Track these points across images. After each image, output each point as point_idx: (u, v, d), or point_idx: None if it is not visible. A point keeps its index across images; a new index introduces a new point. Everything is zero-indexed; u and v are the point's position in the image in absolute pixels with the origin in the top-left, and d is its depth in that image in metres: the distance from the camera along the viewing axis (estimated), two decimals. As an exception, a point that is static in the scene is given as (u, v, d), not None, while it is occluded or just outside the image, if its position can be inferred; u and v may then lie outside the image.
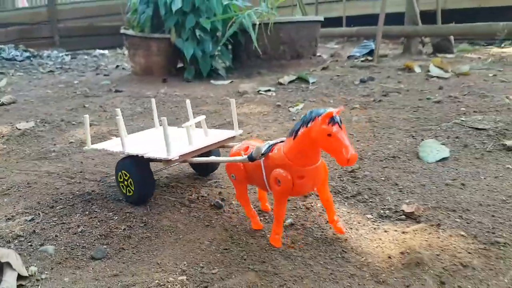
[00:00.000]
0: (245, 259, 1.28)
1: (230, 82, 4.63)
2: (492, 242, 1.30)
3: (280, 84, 4.37)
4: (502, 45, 6.88)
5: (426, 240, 1.33)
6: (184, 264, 1.26)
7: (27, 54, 8.37)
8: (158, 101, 3.71)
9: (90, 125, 2.99)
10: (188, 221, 1.53)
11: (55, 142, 2.61)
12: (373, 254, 1.27)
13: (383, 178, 1.85)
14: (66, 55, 8.70)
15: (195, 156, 1.63)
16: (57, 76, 5.84)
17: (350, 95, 3.72)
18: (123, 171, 1.64)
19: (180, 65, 5.41)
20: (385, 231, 1.40)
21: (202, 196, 1.74)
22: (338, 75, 4.64)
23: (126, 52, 8.94)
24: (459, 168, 1.92)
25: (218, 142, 1.71)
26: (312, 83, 4.32)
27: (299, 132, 1.17)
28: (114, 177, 2.00)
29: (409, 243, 1.31)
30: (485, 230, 1.38)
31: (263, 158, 1.29)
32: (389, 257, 1.25)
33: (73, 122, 3.08)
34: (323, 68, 5.08)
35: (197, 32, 4.74)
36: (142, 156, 1.57)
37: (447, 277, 1.15)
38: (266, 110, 3.30)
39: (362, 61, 5.56)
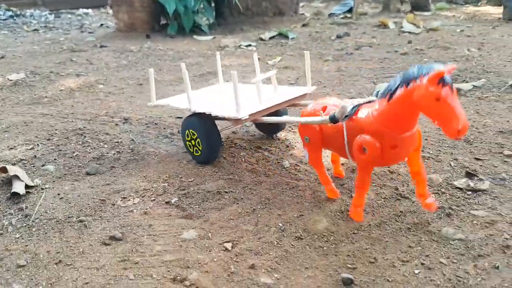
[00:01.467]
0: (216, 172, 1.55)
1: (213, 38, 4.77)
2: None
3: (261, 39, 4.54)
4: (479, 3, 7.06)
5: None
6: (166, 176, 1.53)
7: (10, 13, 8.26)
8: (142, 55, 3.88)
9: (78, 76, 3.17)
10: (170, 148, 1.79)
11: (46, 90, 2.80)
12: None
13: (341, 115, 2.12)
14: (50, 14, 8.61)
15: (265, 115, 1.51)
16: (42, 34, 5.88)
17: (326, 49, 3.93)
18: (190, 130, 1.56)
19: (163, 21, 5.51)
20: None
21: (182, 130, 2.00)
22: (317, 31, 4.82)
23: (110, 11, 8.88)
24: (408, 106, 2.20)
25: (289, 100, 1.57)
26: (292, 38, 4.51)
27: (397, 93, 0.98)
28: (103, 117, 2.22)
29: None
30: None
31: (346, 120, 1.12)
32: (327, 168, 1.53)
33: (62, 74, 3.25)
34: (304, 25, 5.24)
35: (179, -12, 4.83)
36: (209, 114, 1.48)
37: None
38: (245, 62, 3.50)
39: (341, 18, 5.73)
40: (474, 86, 2.40)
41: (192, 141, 1.57)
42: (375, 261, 1.04)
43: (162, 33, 5.18)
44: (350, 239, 1.13)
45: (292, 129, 1.95)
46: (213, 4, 5.52)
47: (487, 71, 2.72)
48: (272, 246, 1.12)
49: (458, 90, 2.34)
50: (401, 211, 1.25)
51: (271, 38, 4.59)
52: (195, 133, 1.54)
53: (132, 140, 1.87)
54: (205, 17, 5.46)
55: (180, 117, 2.19)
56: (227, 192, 1.41)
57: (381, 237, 1.13)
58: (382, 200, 1.31)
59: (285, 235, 1.16)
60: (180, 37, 4.92)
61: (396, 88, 0.99)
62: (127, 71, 3.33)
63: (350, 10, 6.07)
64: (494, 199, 1.29)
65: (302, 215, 1.25)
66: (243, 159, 1.65)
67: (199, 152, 1.57)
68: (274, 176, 1.51)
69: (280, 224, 1.21)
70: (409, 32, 4.36)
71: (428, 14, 5.93)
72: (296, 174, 1.52)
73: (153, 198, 1.38)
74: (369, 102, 1.11)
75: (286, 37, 4.55)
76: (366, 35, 4.43)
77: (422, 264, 1.02)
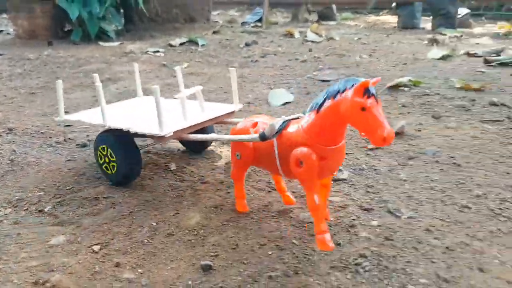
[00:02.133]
0: (98, 179, 1.54)
1: (120, 44, 4.68)
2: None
3: (171, 45, 4.55)
4: (380, 13, 7.73)
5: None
6: (44, 185, 1.50)
7: None
8: (40, 62, 3.70)
9: (-37, 85, 2.93)
10: (52, 157, 1.75)
11: None
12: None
13: (234, 118, 2.22)
14: None
15: (191, 133, 1.44)
16: None
17: (233, 56, 4.06)
18: (104, 147, 1.44)
19: (69, 28, 5.28)
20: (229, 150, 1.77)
21: (70, 139, 1.95)
22: (227, 39, 4.95)
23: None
24: (296, 108, 2.36)
25: (216, 117, 1.52)
26: (202, 45, 4.58)
27: (325, 106, 1.01)
28: (-15, 127, 2.09)
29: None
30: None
31: (276, 136, 1.11)
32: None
33: None
34: (214, 32, 5.35)
35: (83, -7, 4.68)
36: (128, 131, 1.38)
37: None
38: (150, 68, 3.50)
39: (252, 27, 5.94)
40: (356, 88, 2.64)
41: (107, 159, 1.45)
42: (237, 247, 1.13)
43: (66, 39, 4.96)
44: (219, 231, 1.21)
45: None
46: (122, 10, 5.42)
47: (371, 75, 3.02)
48: (142, 245, 1.16)
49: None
50: (269, 202, 1.35)
51: (181, 44, 4.62)
52: (111, 151, 1.43)
53: (14, 151, 1.79)
54: (113, 23, 5.33)
55: (69, 125, 2.13)
56: (105, 197, 1.41)
57: (247, 225, 1.22)
58: (256, 192, 1.41)
59: (157, 233, 1.21)
60: (84, 44, 4.75)
61: (324, 101, 1.01)
62: (20, 80, 3.15)
63: (261, 19, 6.31)
64: (351, 186, 1.45)
65: (178, 213, 1.31)
66: (129, 164, 1.66)
67: (115, 171, 1.45)
68: (158, 179, 1.54)
69: (154, 224, 1.25)
70: (312, 41, 4.66)
71: (333, 24, 6.38)
72: (181, 176, 1.57)
73: (26, 208, 1.35)
74: (297, 118, 1.12)
75: (196, 43, 4.62)
76: (273, 44, 4.65)
77: (277, 246, 1.12)
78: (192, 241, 1.17)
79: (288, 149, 1.08)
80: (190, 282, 1.00)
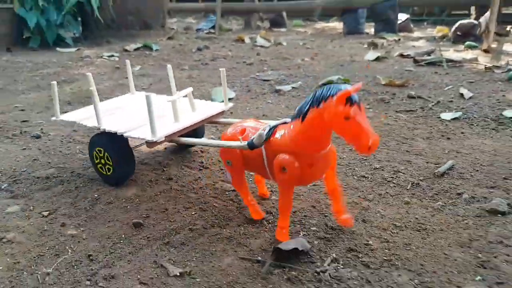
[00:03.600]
0: (49, 163, 1.74)
1: (77, 50, 4.81)
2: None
3: (126, 50, 4.73)
4: (330, 20, 8.19)
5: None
6: (1, 169, 1.68)
7: None
8: (-3, 67, 3.79)
9: None
10: (9, 147, 1.92)
11: None
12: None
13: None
14: None
15: (182, 135, 1.47)
16: None
17: (185, 60, 4.29)
18: (99, 149, 1.51)
19: (28, 35, 5.34)
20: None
21: (25, 131, 2.12)
22: (180, 44, 5.18)
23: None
24: (237, 104, 2.63)
25: (207, 118, 1.57)
26: (156, 50, 4.78)
27: (308, 114, 1.03)
28: None
29: (171, 144, 1.93)
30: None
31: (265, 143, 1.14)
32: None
33: None
34: (169, 38, 5.56)
35: (40, 2, 4.79)
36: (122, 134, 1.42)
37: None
38: (104, 71, 3.67)
39: (206, 33, 6.20)
40: (292, 87, 2.95)
41: (102, 160, 1.52)
42: (166, 210, 1.37)
43: (25, 46, 5.04)
44: (152, 199, 1.44)
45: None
46: (79, 18, 5.54)
47: (308, 75, 3.34)
48: (85, 211, 1.38)
49: (279, 91, 2.87)
50: (199, 177, 1.60)
51: (135, 49, 4.81)
52: (106, 152, 1.49)
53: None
54: (71, 30, 5.45)
55: (26, 121, 2.30)
56: (55, 177, 1.62)
57: (177, 195, 1.46)
58: (188, 170, 1.66)
59: (98, 203, 1.43)
60: (43, 50, 4.85)
61: (308, 109, 1.03)
62: (-25, 83, 3.25)
63: (214, 26, 6.59)
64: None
65: (118, 187, 1.53)
66: (77, 151, 1.87)
67: (111, 171, 1.51)
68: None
69: (96, 195, 1.47)
70: (261, 46, 4.97)
71: (284, 30, 6.74)
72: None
73: (-17, 187, 1.53)
74: (284, 123, 1.15)
75: (151, 48, 4.82)
76: (224, 49, 4.92)
77: (200, 208, 1.37)
78: (128, 207, 1.40)
79: (276, 156, 1.12)
80: (123, 235, 1.23)
